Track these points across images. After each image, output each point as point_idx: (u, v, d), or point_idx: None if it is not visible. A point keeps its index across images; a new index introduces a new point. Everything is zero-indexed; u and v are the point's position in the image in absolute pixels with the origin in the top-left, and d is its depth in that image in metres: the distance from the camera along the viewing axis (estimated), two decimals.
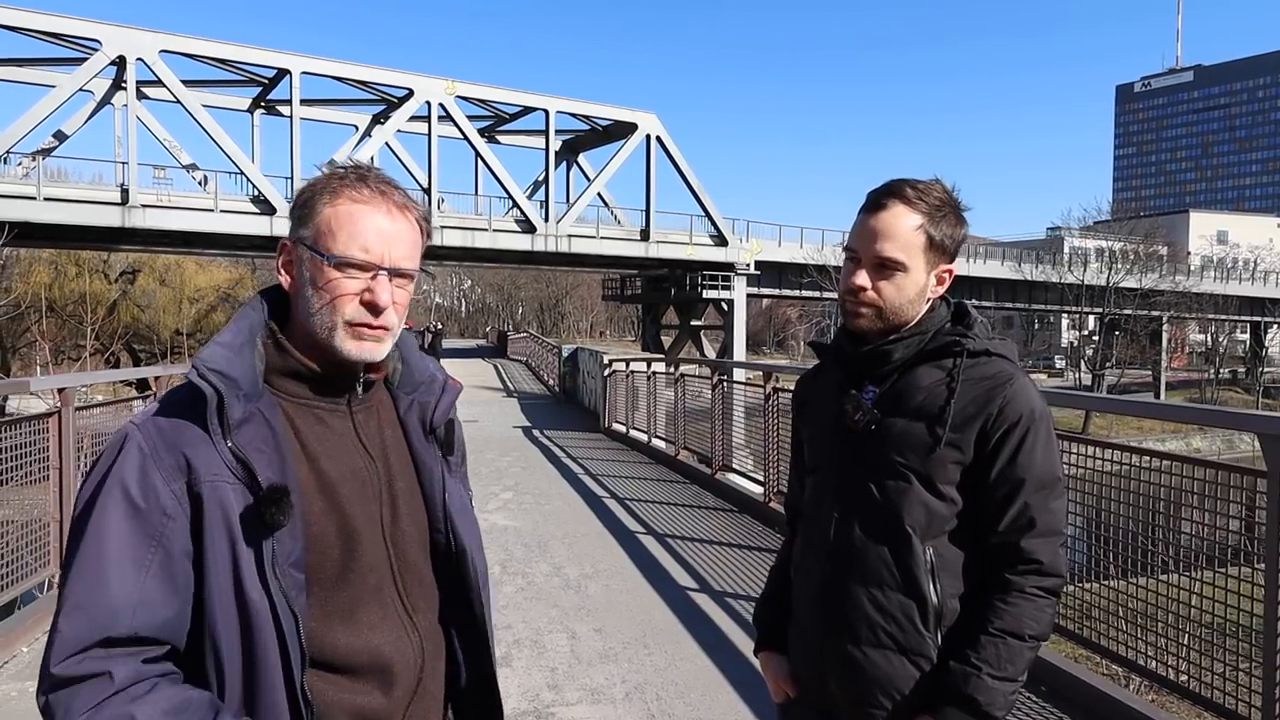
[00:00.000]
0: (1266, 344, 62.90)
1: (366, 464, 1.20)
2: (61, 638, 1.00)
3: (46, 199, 28.84)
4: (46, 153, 33.14)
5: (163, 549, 1.04)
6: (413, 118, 36.62)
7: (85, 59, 30.58)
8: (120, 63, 30.53)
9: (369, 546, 1.17)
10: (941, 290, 1.55)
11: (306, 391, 1.17)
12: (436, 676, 1.25)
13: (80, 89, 31.14)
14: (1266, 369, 62.00)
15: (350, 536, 1.15)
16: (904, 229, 1.47)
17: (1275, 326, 63.02)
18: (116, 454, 1.06)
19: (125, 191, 30.21)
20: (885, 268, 1.48)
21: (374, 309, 1.14)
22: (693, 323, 44.84)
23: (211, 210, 31.37)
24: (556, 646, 4.45)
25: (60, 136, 34.67)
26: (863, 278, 1.50)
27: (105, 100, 34.09)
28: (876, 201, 1.50)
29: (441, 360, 32.28)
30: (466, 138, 37.64)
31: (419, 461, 1.26)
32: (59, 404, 5.09)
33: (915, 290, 1.50)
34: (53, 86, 31.03)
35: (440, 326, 38.04)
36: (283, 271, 1.18)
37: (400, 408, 1.27)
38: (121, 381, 22.27)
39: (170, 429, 1.07)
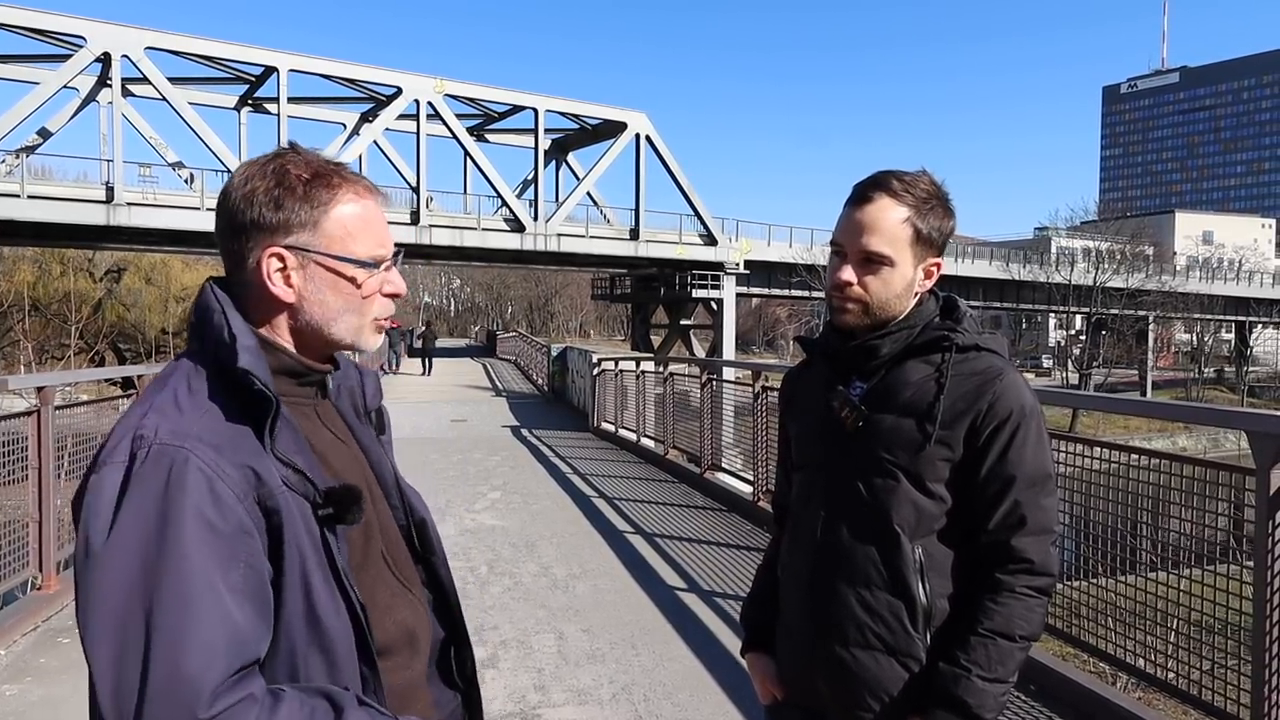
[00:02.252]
0: (1251, 343, 63.44)
1: (351, 452, 1.22)
2: (191, 682, 0.91)
3: (30, 197, 28.53)
4: (30, 150, 32.81)
5: (250, 568, 1.00)
6: (401, 116, 36.43)
7: (70, 55, 30.29)
8: (105, 59, 30.25)
9: (375, 531, 1.19)
10: (930, 284, 1.52)
11: (293, 387, 1.16)
12: None
13: (65, 86, 30.84)
14: (1251, 368, 62.54)
15: (367, 525, 1.16)
16: (890, 222, 1.44)
17: (1260, 326, 63.60)
18: (166, 481, 0.97)
19: (110, 189, 29.92)
20: (871, 262, 1.46)
21: (396, 297, 1.18)
22: (682, 322, 44.79)
23: (198, 209, 31.06)
24: (543, 647, 4.42)
25: (44, 134, 34.31)
26: (849, 272, 1.47)
27: (90, 97, 33.77)
28: (862, 194, 1.47)
29: (434, 359, 31.69)
30: (455, 136, 37.48)
31: (363, 443, 1.27)
32: (39, 403, 5.02)
33: (903, 284, 1.47)
34: (37, 83, 30.71)
35: (428, 325, 38.00)
36: (278, 281, 1.11)
37: (330, 393, 1.26)
38: (106, 380, 22.09)
39: (227, 443, 1.02)
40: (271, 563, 1.03)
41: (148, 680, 0.91)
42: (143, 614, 0.93)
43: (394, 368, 29.21)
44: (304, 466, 1.06)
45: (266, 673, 1.03)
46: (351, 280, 1.14)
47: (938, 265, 1.51)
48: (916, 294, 1.51)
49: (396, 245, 1.20)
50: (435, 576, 1.32)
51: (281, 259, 1.11)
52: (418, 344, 34.04)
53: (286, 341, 1.15)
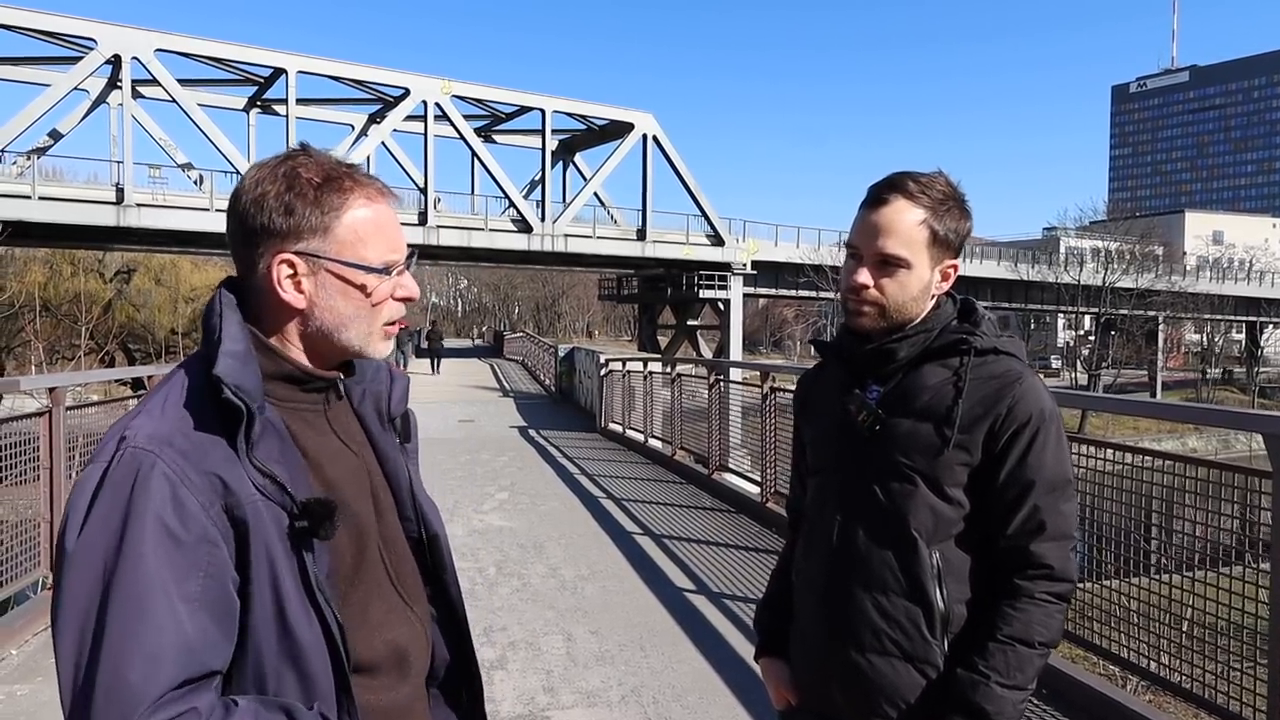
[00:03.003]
0: (1262, 344, 63.05)
1: (356, 462, 1.19)
2: (131, 690, 0.91)
3: (41, 198, 28.71)
4: (41, 151, 33.02)
5: (210, 578, 0.98)
6: (409, 117, 36.54)
7: (80, 58, 30.48)
8: (115, 61, 30.44)
9: (371, 544, 1.16)
10: (946, 286, 1.51)
11: (294, 393, 1.14)
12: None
13: (75, 88, 31.02)
14: (1262, 369, 62.17)
15: (360, 537, 1.14)
16: (907, 224, 1.43)
17: (1271, 326, 63.22)
18: (132, 485, 0.97)
19: (120, 191, 30.11)
20: (888, 264, 1.44)
21: (409, 301, 1.16)
22: (689, 322, 44.81)
23: (207, 210, 31.23)
24: (552, 649, 4.41)
25: (55, 135, 34.57)
26: (865, 275, 1.45)
27: (101, 99, 33.97)
28: (878, 196, 1.45)
29: (442, 358, 32.05)
30: (463, 137, 37.59)
31: (381, 451, 1.25)
32: (50, 404, 5.05)
33: (919, 287, 1.46)
34: (48, 85, 30.91)
35: (433, 325, 38.24)
36: (288, 288, 1.10)
37: (354, 399, 1.24)
38: (116, 381, 22.18)
39: (194, 450, 1.00)
40: (239, 572, 1.01)
41: (93, 685, 0.92)
42: (97, 618, 0.94)
43: (402, 368, 29.33)
44: (283, 477, 1.04)
45: (235, 685, 1.02)
46: (362, 288, 1.12)
47: (954, 267, 1.49)
48: (933, 296, 1.50)
49: (410, 247, 1.18)
50: (445, 595, 1.30)
51: (292, 265, 1.10)
52: (424, 345, 34.35)
53: (297, 347, 1.14)
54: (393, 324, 1.17)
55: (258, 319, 1.12)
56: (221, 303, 1.10)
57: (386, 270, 1.13)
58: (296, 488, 1.05)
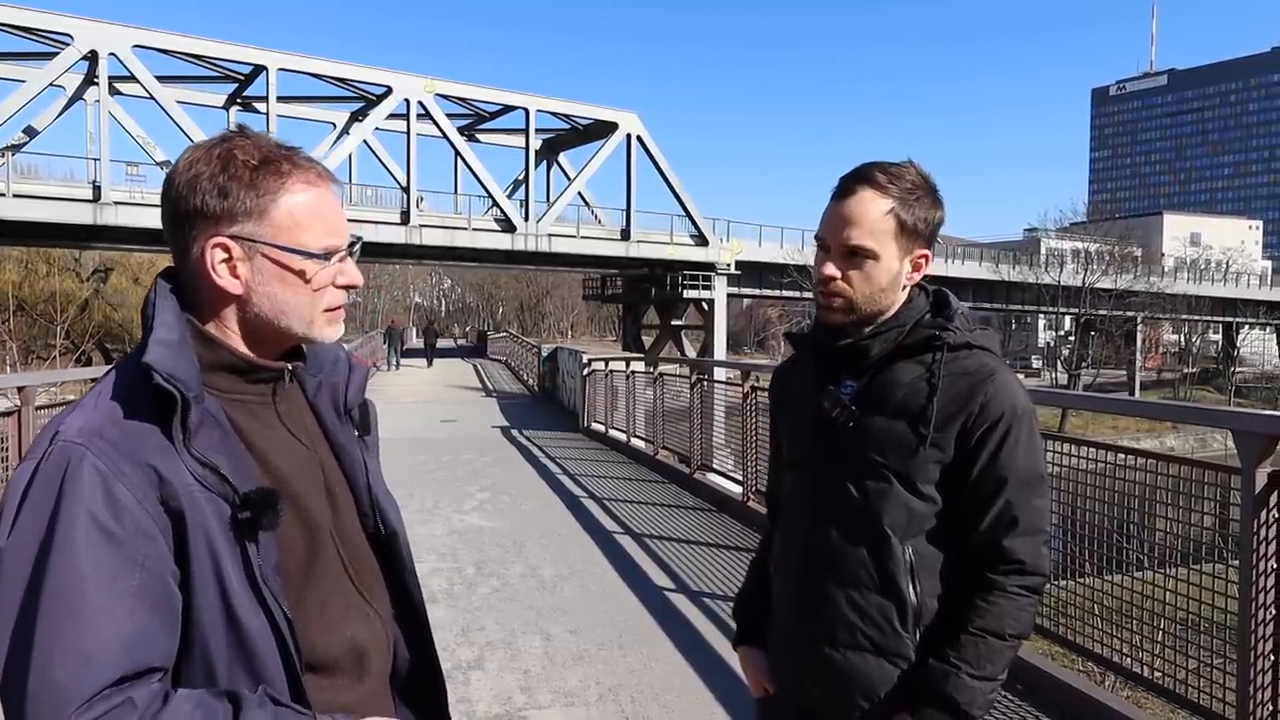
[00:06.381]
0: (1238, 344, 63.88)
1: (307, 455, 1.16)
2: (60, 691, 0.89)
3: (16, 195, 28.33)
4: (16, 148, 32.52)
5: (147, 572, 0.95)
6: (391, 115, 36.30)
7: (57, 53, 30.08)
8: (92, 58, 30.03)
9: (325, 539, 1.14)
10: (918, 276, 1.50)
11: (238, 385, 1.10)
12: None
13: (51, 84, 30.63)
14: (1238, 368, 62.97)
15: (312, 532, 1.11)
16: (873, 215, 1.42)
17: (1247, 327, 64.07)
18: (61, 479, 0.94)
19: (97, 188, 29.72)
20: (855, 255, 1.43)
21: (351, 288, 1.14)
22: (673, 322, 44.81)
23: None
24: (530, 648, 4.39)
25: (31, 132, 34.04)
26: (831, 267, 1.45)
27: (77, 96, 33.51)
28: (845, 187, 1.45)
29: (435, 359, 34.02)
30: (446, 136, 37.36)
31: (337, 445, 1.22)
32: (20, 403, 4.98)
33: (888, 278, 1.45)
34: (23, 81, 30.50)
35: (430, 324, 38.82)
36: (223, 273, 1.06)
37: (308, 391, 1.21)
38: (89, 380, 21.95)
39: (126, 440, 0.98)
40: (179, 565, 0.99)
41: (24, 686, 0.90)
42: (27, 617, 0.91)
43: (393, 366, 30.31)
44: (225, 467, 1.01)
45: (185, 680, 0.99)
46: (300, 273, 1.09)
47: (925, 257, 1.48)
48: (904, 287, 1.49)
49: (353, 236, 1.15)
50: (405, 593, 1.27)
51: (226, 249, 1.06)
52: (419, 341, 35.47)
53: (236, 335, 1.10)
54: (334, 309, 1.14)
55: (195, 306, 1.09)
56: (156, 292, 1.08)
57: (326, 256, 1.10)
58: (239, 479, 1.02)
